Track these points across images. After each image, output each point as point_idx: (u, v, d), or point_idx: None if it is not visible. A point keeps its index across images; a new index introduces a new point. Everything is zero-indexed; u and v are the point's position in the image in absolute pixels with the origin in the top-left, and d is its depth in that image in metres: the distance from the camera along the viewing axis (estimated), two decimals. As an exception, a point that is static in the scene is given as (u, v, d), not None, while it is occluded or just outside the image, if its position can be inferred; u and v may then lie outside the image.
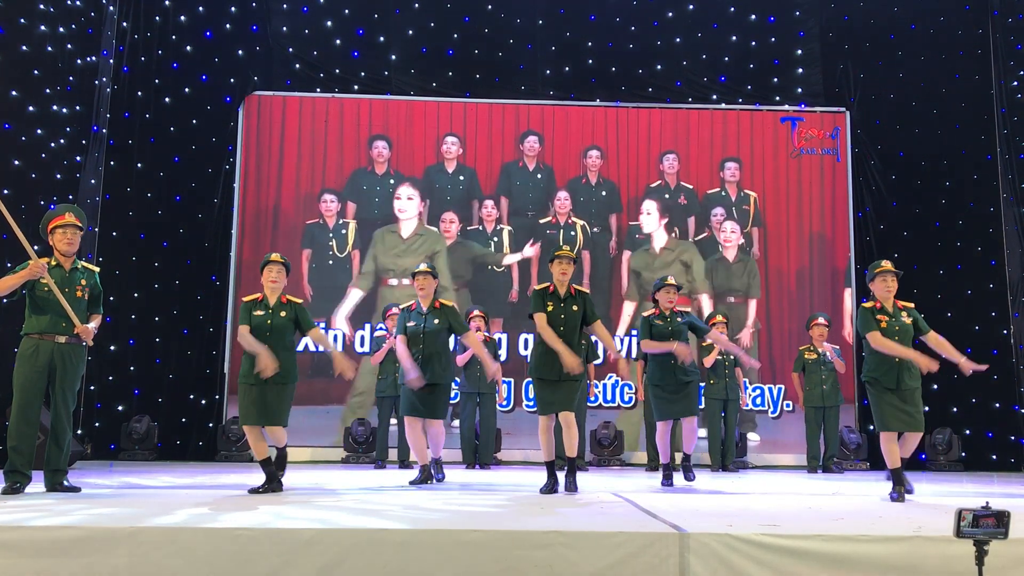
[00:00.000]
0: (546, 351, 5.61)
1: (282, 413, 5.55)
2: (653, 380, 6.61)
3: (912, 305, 5.79)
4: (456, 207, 10.26)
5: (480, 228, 10.23)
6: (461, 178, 10.28)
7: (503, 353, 9.83)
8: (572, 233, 10.22)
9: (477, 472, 8.16)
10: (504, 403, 9.56)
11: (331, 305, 9.99)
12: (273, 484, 5.43)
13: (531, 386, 5.92)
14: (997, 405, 9.90)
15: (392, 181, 10.28)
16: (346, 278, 10.09)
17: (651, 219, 10.38)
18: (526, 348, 10.04)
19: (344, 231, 10.17)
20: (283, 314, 5.60)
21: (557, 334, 5.59)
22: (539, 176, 10.34)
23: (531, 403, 9.89)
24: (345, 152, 10.41)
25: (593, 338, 7.85)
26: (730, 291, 10.25)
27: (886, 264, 5.79)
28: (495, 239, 10.20)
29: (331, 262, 10.12)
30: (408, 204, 10.16)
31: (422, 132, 10.42)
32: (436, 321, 6.24)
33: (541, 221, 10.30)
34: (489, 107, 10.52)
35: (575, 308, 5.68)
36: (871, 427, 9.93)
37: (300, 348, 9.84)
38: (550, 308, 5.65)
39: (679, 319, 6.60)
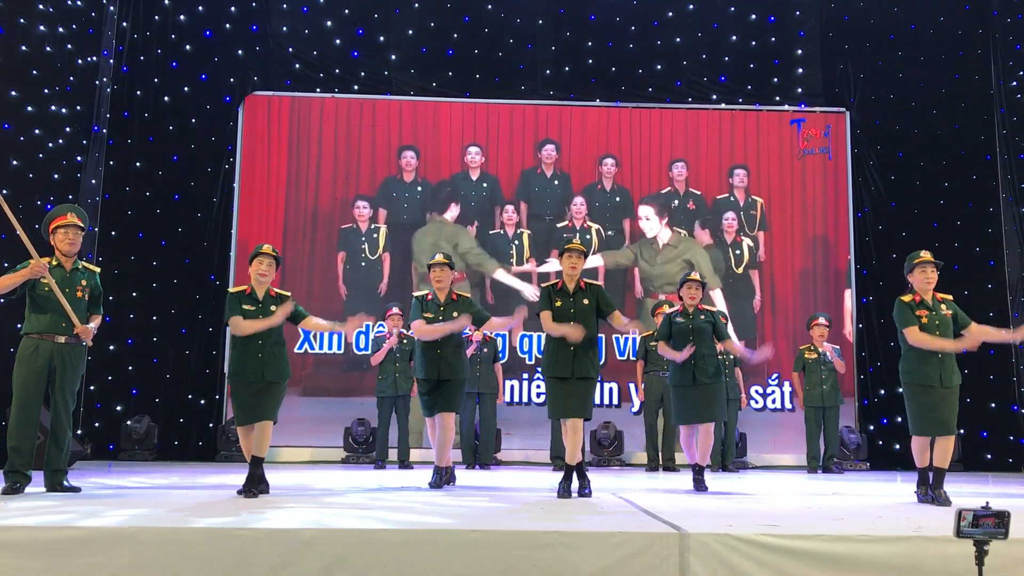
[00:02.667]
0: (556, 348, 5.46)
1: (272, 409, 5.39)
2: (673, 381, 6.34)
3: (951, 297, 5.55)
4: (479, 213, 10.39)
5: (501, 232, 10.39)
6: (484, 185, 10.47)
7: (504, 352, 9.86)
8: (588, 237, 10.34)
9: (477, 472, 8.16)
10: (506, 401, 9.61)
11: (364, 305, 10.02)
12: (257, 485, 5.24)
13: (545, 386, 5.72)
14: (995, 405, 9.90)
15: (420, 189, 10.42)
16: (378, 279, 10.24)
17: (651, 224, 10.47)
18: (527, 348, 10.05)
19: (376, 235, 10.31)
20: (273, 308, 5.43)
21: (564, 319, 5.44)
22: (556, 183, 10.53)
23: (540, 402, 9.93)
24: (363, 157, 10.46)
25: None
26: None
27: (925, 254, 5.50)
28: (515, 243, 10.36)
29: (363, 264, 10.26)
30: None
31: (448, 141, 10.50)
32: (455, 314, 6.05)
33: (558, 225, 10.42)
34: (511, 110, 10.57)
35: (586, 302, 5.53)
36: (871, 427, 9.96)
37: (300, 348, 9.90)
38: (558, 304, 5.53)
39: (702, 316, 6.34)
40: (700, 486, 6.15)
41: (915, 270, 5.49)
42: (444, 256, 6.27)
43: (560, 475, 5.62)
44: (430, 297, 6.16)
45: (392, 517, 4.10)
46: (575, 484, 5.49)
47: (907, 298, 5.46)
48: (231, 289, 5.67)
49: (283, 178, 10.34)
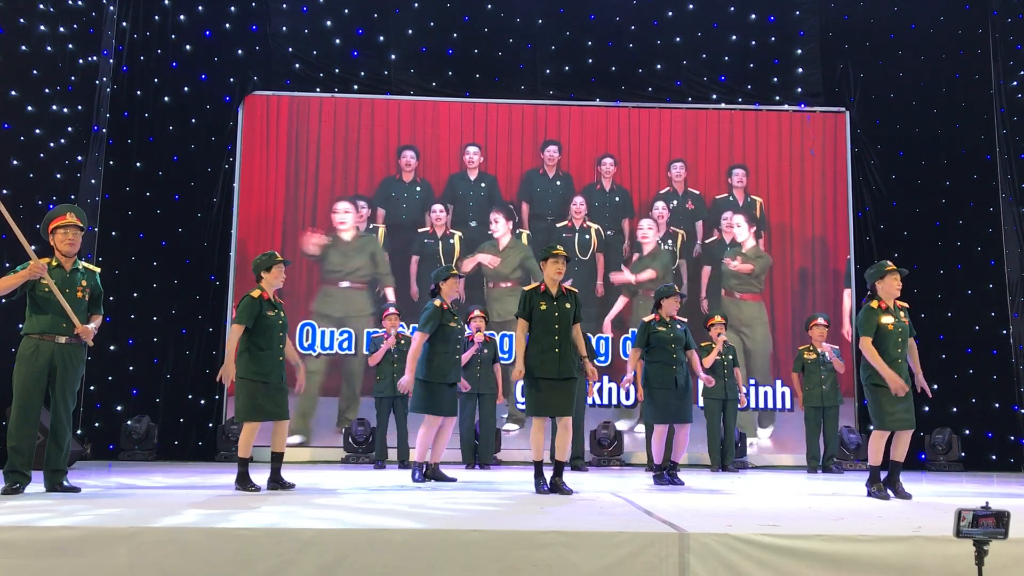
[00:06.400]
0: (542, 351, 5.60)
1: (287, 407, 5.76)
2: (654, 382, 6.66)
3: (907, 306, 5.83)
4: (477, 213, 10.40)
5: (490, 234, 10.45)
6: (483, 185, 10.47)
7: (510, 353, 9.87)
8: (587, 237, 10.34)
9: (477, 472, 8.16)
10: (522, 404, 9.72)
11: (363, 305, 10.15)
12: (248, 485, 5.51)
13: (524, 386, 5.78)
14: (996, 405, 9.91)
15: (419, 189, 10.42)
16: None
17: (742, 231, 10.49)
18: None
19: (374, 235, 10.32)
20: (283, 313, 5.82)
21: (552, 332, 5.62)
22: (558, 183, 10.55)
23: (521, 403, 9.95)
24: (361, 157, 10.47)
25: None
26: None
27: (892, 265, 5.80)
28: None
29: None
30: (345, 217, 10.32)
31: (447, 141, 10.52)
32: (462, 323, 6.87)
33: (558, 225, 10.43)
34: (509, 110, 10.57)
35: (568, 306, 5.71)
36: (871, 427, 9.94)
37: (304, 349, 9.90)
38: (543, 308, 5.65)
39: (678, 326, 6.77)
40: (677, 480, 6.64)
41: (887, 277, 5.71)
42: (457, 268, 6.96)
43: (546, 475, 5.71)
44: (445, 307, 6.56)
45: (392, 517, 4.10)
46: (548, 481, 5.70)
47: (875, 305, 5.71)
48: (253, 294, 5.69)
49: (282, 178, 10.34)
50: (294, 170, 10.36)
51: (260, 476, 5.72)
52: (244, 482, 5.53)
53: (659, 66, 10.72)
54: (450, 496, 5.37)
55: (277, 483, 5.61)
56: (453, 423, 6.74)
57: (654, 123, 10.68)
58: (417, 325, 6.59)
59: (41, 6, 8.91)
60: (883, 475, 5.69)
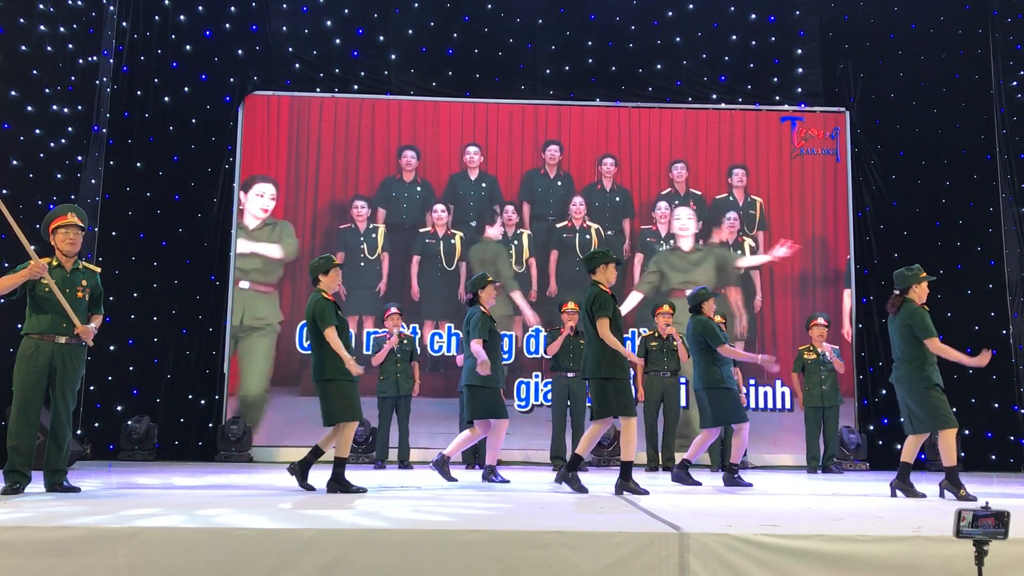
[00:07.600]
0: (619, 353, 5.74)
1: None
2: (728, 382, 6.72)
3: None
4: (478, 213, 10.39)
5: (502, 231, 10.44)
6: (483, 185, 10.46)
7: (510, 353, 9.86)
8: (587, 237, 10.33)
9: (477, 472, 8.15)
10: (523, 404, 9.84)
11: (364, 305, 10.07)
12: (351, 487, 5.62)
13: (616, 385, 5.74)
14: (996, 405, 9.90)
15: (419, 189, 10.41)
16: (376, 279, 10.19)
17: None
18: (533, 348, 10.05)
19: (374, 235, 10.29)
20: None
21: (621, 332, 5.84)
22: (559, 183, 10.53)
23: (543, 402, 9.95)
24: (361, 157, 10.45)
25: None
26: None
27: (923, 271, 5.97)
28: (515, 243, 10.36)
29: (362, 264, 10.23)
30: (257, 201, 10.26)
31: (447, 141, 10.50)
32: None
33: (558, 225, 10.43)
34: (509, 110, 10.56)
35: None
36: (871, 427, 9.96)
37: (305, 348, 9.89)
38: (618, 309, 5.89)
39: None
40: (743, 481, 6.72)
41: (923, 283, 5.91)
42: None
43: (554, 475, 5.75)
44: (488, 313, 6.81)
45: (392, 517, 4.10)
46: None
47: (925, 308, 5.89)
48: (327, 296, 5.75)
49: (283, 178, 10.34)
50: (294, 170, 10.36)
51: (253, 477, 5.72)
52: (347, 484, 5.60)
53: (659, 66, 10.71)
54: (450, 496, 5.37)
55: (340, 485, 5.57)
56: (507, 424, 6.86)
57: (654, 123, 10.67)
58: (468, 334, 6.66)
59: (41, 6, 8.91)
60: (886, 475, 5.72)
